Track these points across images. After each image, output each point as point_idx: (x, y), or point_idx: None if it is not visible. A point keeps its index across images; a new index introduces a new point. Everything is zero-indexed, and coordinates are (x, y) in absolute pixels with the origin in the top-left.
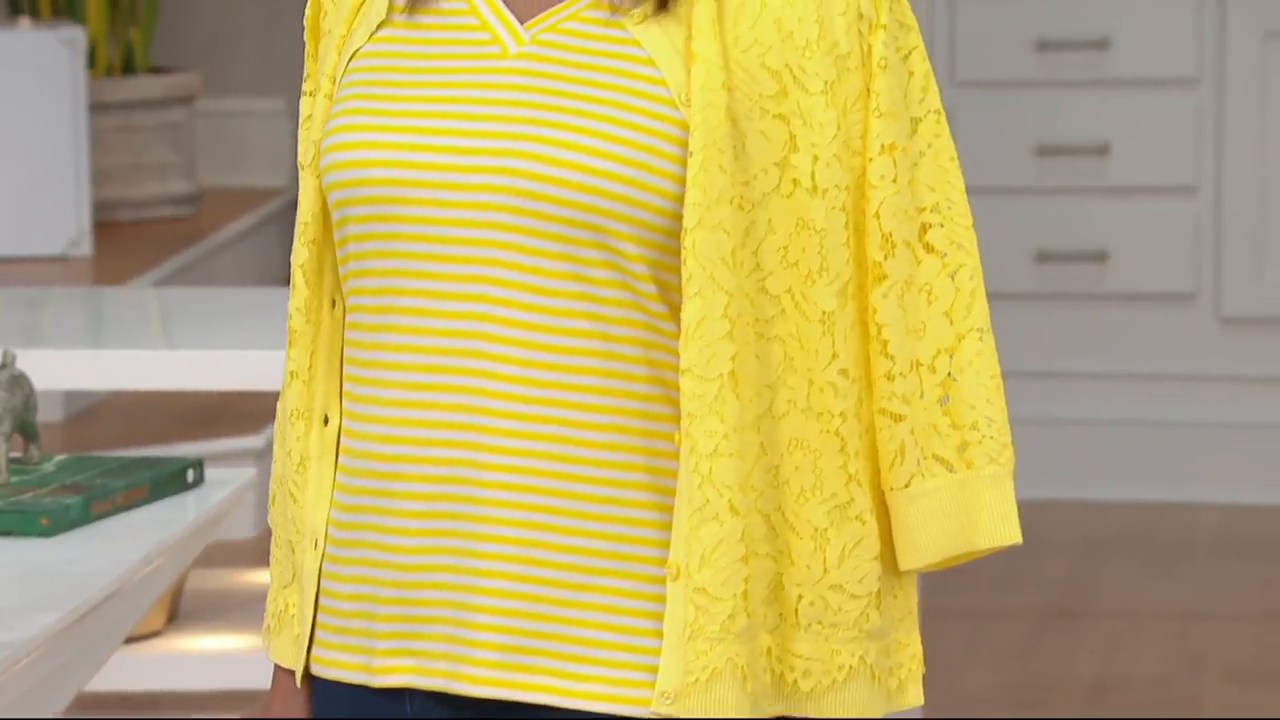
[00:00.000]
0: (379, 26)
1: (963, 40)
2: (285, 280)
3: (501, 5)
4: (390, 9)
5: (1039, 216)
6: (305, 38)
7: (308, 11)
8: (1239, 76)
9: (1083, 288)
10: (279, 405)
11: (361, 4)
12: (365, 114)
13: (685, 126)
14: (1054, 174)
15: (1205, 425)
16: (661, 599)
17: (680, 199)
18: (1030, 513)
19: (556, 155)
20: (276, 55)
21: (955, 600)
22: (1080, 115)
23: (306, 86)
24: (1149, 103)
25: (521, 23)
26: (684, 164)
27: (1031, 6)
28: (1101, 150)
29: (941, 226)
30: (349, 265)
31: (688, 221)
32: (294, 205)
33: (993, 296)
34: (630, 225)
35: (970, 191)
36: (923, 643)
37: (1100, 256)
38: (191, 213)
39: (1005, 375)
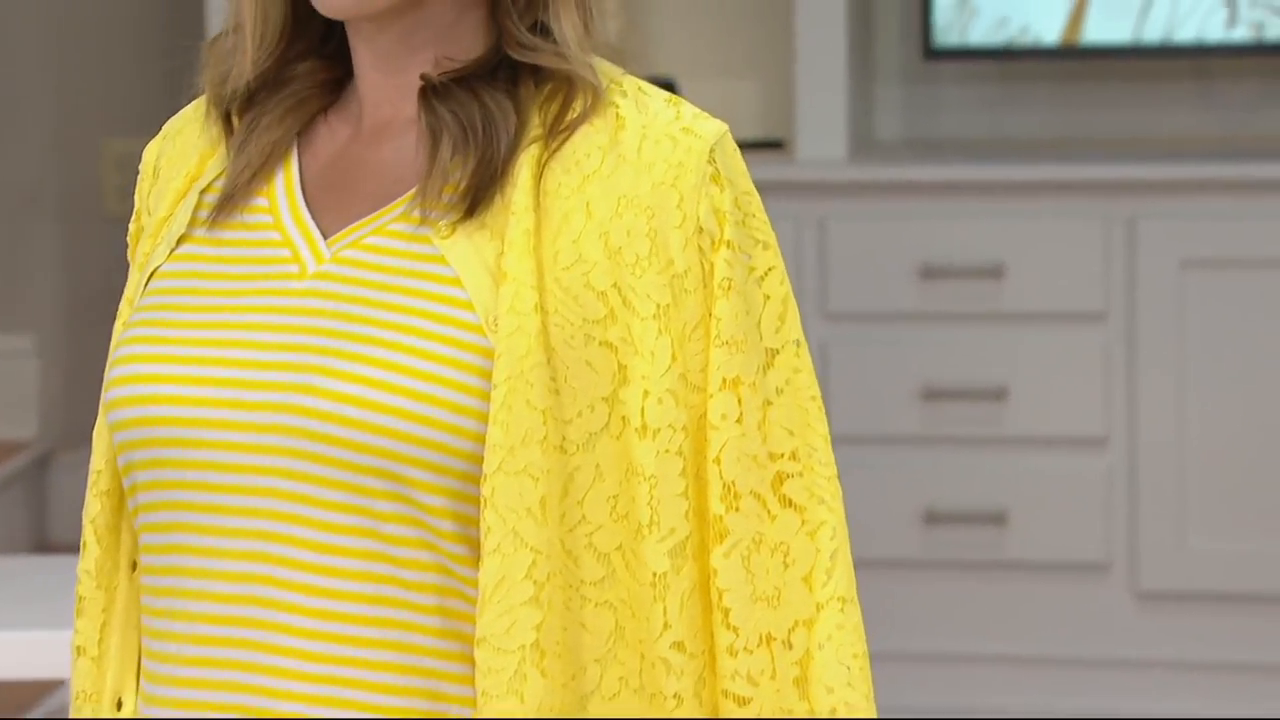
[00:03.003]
0: (179, 242)
1: (836, 266)
2: (35, 548)
3: (307, 218)
4: (192, 221)
5: (927, 471)
6: (129, 256)
7: (131, 227)
8: (1152, 311)
9: (978, 555)
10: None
11: (168, 217)
12: (152, 343)
13: (492, 355)
14: (944, 421)
15: (1122, 718)
16: None
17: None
18: None
19: (343, 391)
20: (23, 286)
21: None
22: (972, 353)
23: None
24: (1051, 340)
25: (326, 237)
26: (489, 399)
27: (914, 228)
28: (998, 395)
29: (800, 476)
30: (140, 518)
31: (488, 465)
32: (42, 461)
33: (874, 564)
34: (428, 471)
35: (847, 441)
36: None
37: (998, 518)
38: None
39: (890, 659)
